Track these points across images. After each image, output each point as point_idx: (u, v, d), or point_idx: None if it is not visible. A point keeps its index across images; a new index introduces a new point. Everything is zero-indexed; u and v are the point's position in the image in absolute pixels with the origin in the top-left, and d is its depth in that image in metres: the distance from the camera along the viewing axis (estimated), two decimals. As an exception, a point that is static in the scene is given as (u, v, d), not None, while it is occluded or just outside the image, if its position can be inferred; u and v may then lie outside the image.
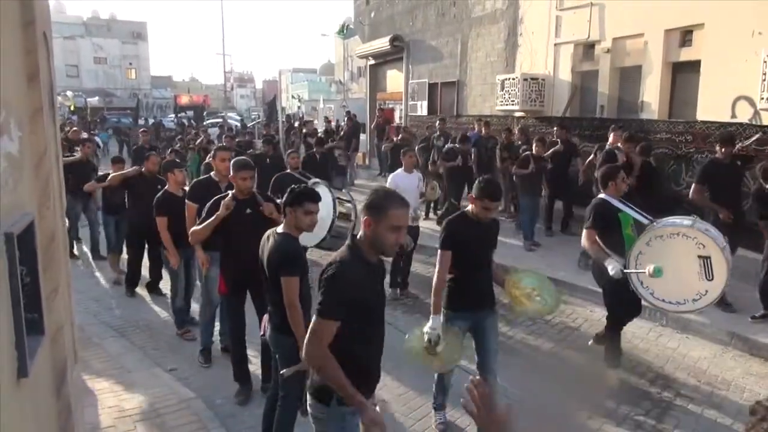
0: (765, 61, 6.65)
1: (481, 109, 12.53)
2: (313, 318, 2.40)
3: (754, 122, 7.20)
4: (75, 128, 13.33)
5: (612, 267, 4.35)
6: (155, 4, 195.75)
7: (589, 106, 10.14)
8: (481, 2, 12.35)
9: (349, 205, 6.47)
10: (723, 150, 6.15)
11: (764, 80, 6.67)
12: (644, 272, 4.12)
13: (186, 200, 5.21)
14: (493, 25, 12.01)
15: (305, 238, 5.97)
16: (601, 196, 4.78)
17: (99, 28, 54.00)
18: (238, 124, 30.00)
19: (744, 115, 7.35)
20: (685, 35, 8.35)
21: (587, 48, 10.04)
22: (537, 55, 10.78)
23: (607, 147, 7.88)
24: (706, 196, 6.18)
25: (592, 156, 8.40)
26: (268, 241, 3.57)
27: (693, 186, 6.35)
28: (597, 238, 4.65)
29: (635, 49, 9.03)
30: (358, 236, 2.48)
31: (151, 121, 33.27)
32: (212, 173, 5.40)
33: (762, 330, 5.52)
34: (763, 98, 6.75)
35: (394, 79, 17.22)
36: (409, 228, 4.39)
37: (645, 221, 4.47)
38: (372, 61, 18.35)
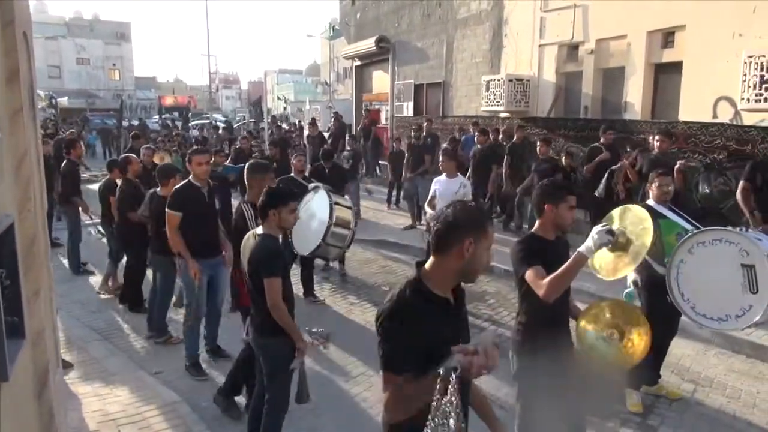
0: (745, 62, 6.75)
1: (467, 110, 12.58)
2: (382, 374, 1.92)
3: (734, 122, 7.31)
4: (72, 130, 13.17)
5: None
6: (139, 4, 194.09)
7: (573, 106, 10.22)
8: (466, 3, 12.40)
9: (348, 211, 6.13)
10: None
11: (745, 81, 6.77)
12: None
13: (167, 209, 4.90)
14: (478, 27, 12.06)
15: (299, 245, 5.93)
16: (647, 201, 4.47)
17: (82, 28, 53.41)
18: (224, 126, 29.82)
19: (725, 115, 7.46)
20: (667, 36, 8.46)
21: (571, 49, 10.13)
22: (522, 56, 10.85)
23: (652, 154, 6.94)
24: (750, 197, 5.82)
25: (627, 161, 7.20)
26: (248, 242, 3.57)
27: (741, 183, 5.94)
28: None
29: (618, 51, 9.13)
30: (426, 266, 2.04)
31: (135, 122, 32.94)
32: (191, 178, 5.03)
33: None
34: (743, 99, 6.85)
35: (380, 80, 17.23)
36: None
37: (692, 229, 4.09)
38: (358, 62, 18.36)
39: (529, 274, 2.95)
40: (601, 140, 8.20)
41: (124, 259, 6.86)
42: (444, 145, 10.41)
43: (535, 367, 3.06)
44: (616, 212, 3.31)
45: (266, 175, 4.43)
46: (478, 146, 9.82)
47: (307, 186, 6.50)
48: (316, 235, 5.74)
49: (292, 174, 7.11)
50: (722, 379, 4.91)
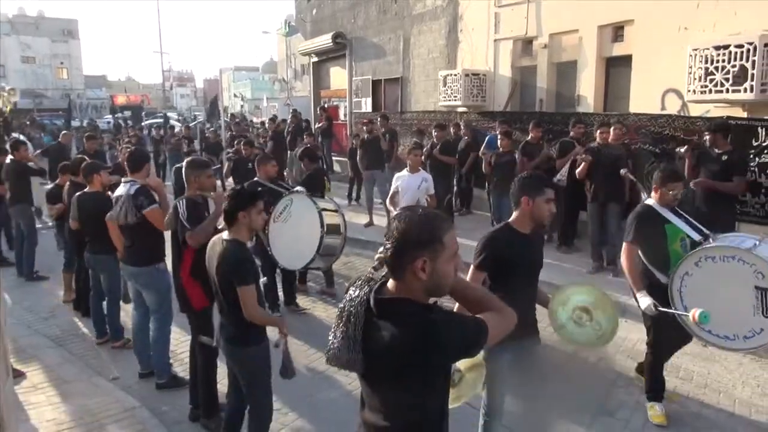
0: (691, 55, 6.97)
1: (425, 105, 12.64)
2: None
3: (682, 114, 7.56)
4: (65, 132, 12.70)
5: (644, 302, 3.80)
6: (86, 2, 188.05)
7: (528, 100, 10.39)
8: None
9: (336, 215, 5.68)
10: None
11: (690, 73, 6.98)
12: (686, 315, 3.42)
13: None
14: (434, 22, 12.12)
15: (287, 261, 5.50)
16: (648, 202, 4.16)
17: (26, 25, 51.40)
18: (180, 125, 29.20)
19: (673, 107, 7.70)
20: (617, 31, 8.67)
21: (525, 44, 10.28)
22: (477, 51, 10.96)
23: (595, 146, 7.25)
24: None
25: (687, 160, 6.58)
26: (215, 248, 3.39)
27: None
28: (640, 253, 4.05)
29: (571, 45, 9.31)
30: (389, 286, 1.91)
31: (85, 122, 31.96)
32: (139, 180, 4.83)
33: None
34: (689, 90, 7.06)
35: (338, 76, 17.14)
36: None
37: (698, 237, 3.86)
38: (315, 59, 18.20)
39: (470, 272, 3.06)
40: (571, 134, 8.09)
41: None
42: (414, 140, 10.43)
43: (500, 358, 3.08)
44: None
45: (204, 172, 4.24)
46: (435, 141, 9.91)
47: (279, 191, 5.94)
48: (307, 248, 5.29)
49: (256, 178, 6.30)
50: (676, 362, 5.07)
